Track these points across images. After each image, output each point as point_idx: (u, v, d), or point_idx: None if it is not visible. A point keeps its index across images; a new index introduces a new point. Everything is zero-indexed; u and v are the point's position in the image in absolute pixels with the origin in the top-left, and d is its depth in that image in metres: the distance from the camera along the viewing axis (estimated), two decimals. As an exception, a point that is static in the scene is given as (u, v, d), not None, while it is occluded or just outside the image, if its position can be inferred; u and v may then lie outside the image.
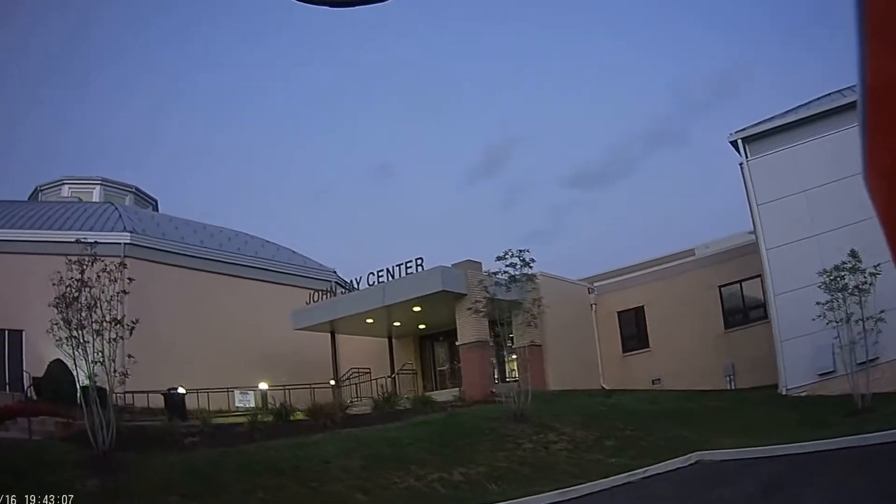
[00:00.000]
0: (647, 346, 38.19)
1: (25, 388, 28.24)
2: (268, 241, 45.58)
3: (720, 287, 36.58)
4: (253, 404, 32.93)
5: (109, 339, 19.06)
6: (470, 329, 32.43)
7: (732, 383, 33.82)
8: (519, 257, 27.13)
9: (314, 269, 46.00)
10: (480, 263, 33.74)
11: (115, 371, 19.09)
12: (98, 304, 18.81)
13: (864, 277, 24.10)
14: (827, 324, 24.97)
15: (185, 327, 35.48)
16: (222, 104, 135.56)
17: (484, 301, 28.46)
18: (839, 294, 24.76)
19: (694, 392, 30.32)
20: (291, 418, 25.05)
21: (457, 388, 33.81)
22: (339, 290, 38.33)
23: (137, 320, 19.69)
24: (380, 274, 34.14)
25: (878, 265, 22.77)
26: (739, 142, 32.04)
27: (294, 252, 46.39)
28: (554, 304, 32.38)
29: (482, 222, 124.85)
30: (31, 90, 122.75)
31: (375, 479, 18.31)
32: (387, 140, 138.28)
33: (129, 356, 19.35)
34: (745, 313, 36.10)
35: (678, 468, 18.46)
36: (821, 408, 24.69)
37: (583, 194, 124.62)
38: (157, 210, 48.66)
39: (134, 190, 48.52)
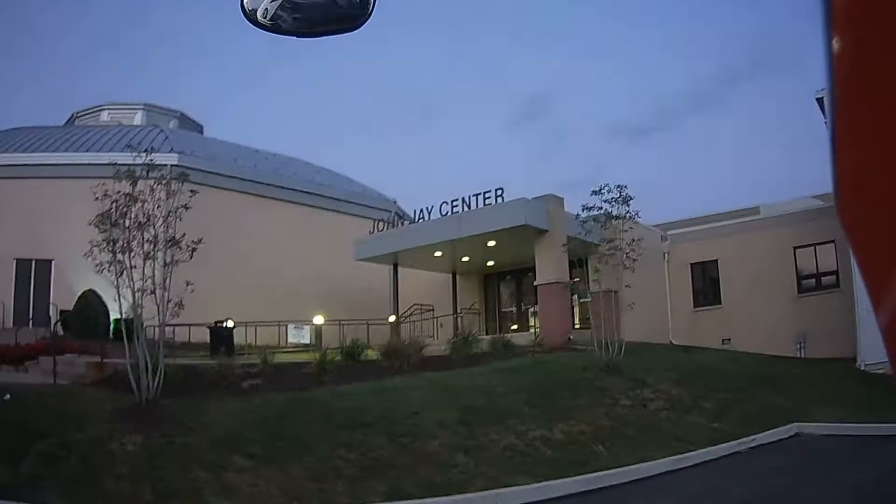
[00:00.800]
0: (719, 303, 35.37)
1: (52, 323, 24.79)
2: (323, 168, 41.56)
3: (795, 249, 33.93)
4: (308, 340, 29.76)
5: (165, 262, 15.55)
6: (550, 268, 29.19)
7: (802, 351, 31.19)
8: (619, 192, 24.03)
9: (374, 199, 42.08)
10: (563, 199, 30.53)
11: (168, 301, 15.48)
12: (151, 222, 15.31)
13: None
14: None
15: (235, 256, 31.95)
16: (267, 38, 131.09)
17: (573, 238, 26.17)
18: None
19: (769, 357, 27.95)
20: (362, 358, 21.67)
21: (525, 331, 31.53)
22: (399, 221, 34.68)
23: (201, 240, 15.95)
24: (454, 204, 30.27)
25: None
26: (825, 99, 28.25)
27: (351, 180, 42.43)
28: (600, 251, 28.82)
29: (521, 169, 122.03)
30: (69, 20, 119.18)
31: (472, 435, 15.44)
32: (430, 82, 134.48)
33: (188, 283, 15.69)
34: (818, 279, 33.59)
35: (780, 440, 16.97)
36: None
37: (625, 147, 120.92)
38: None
39: (179, 115, 44.33)
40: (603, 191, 24.10)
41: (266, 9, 2.44)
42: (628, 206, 24.20)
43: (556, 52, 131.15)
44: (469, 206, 29.97)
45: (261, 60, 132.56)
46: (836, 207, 1.31)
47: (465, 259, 34.00)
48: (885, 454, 14.60)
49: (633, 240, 24.17)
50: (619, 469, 14.07)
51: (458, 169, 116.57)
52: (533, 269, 31.74)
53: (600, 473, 13.84)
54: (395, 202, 42.27)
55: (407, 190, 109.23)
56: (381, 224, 33.43)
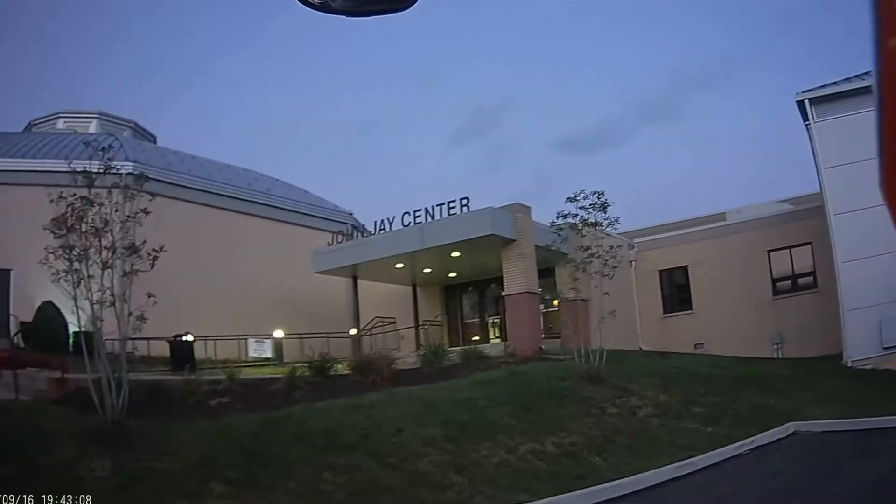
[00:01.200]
0: (691, 309, 35.17)
1: (12, 334, 23.28)
2: (278, 180, 40.06)
3: (769, 252, 33.91)
4: (269, 354, 28.51)
5: (124, 272, 14.21)
6: (519, 278, 28.20)
7: (780, 352, 31.32)
8: (597, 198, 23.17)
9: (329, 211, 40.63)
10: (530, 208, 29.57)
11: (129, 314, 14.14)
12: (109, 227, 13.88)
13: None
14: None
15: (192, 268, 30.52)
16: (217, 52, 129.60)
17: (541, 248, 25.91)
18: None
19: (748, 359, 27.81)
20: (332, 373, 20.32)
21: (487, 342, 31.21)
22: (356, 233, 33.33)
23: (162, 247, 14.70)
24: (417, 214, 29.10)
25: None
26: (807, 102, 28.85)
27: (307, 192, 40.90)
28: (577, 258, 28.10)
29: (470, 182, 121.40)
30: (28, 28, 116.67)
31: (462, 452, 14.39)
32: (374, 97, 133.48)
33: (150, 295, 14.36)
34: (794, 280, 33.61)
35: (779, 439, 16.73)
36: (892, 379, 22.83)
37: (575, 159, 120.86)
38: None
39: (133, 125, 42.66)
40: (578, 197, 23.23)
41: None
42: (605, 212, 23.33)
43: (503, 65, 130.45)
44: (432, 217, 28.87)
45: (213, 72, 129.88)
46: (881, 190, 1.31)
47: (427, 271, 32.93)
48: (890, 447, 14.50)
49: (612, 247, 23.28)
50: (623, 479, 13.40)
51: (408, 182, 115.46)
52: (497, 280, 30.97)
53: (605, 485, 13.10)
54: (351, 214, 41.00)
55: (359, 203, 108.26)
56: (339, 236, 32.13)
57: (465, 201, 27.92)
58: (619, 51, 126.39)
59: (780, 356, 30.43)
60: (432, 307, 35.42)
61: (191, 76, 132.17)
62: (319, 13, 2.35)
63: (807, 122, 29.15)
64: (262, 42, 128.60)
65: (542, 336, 29.73)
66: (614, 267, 22.95)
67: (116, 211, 14.04)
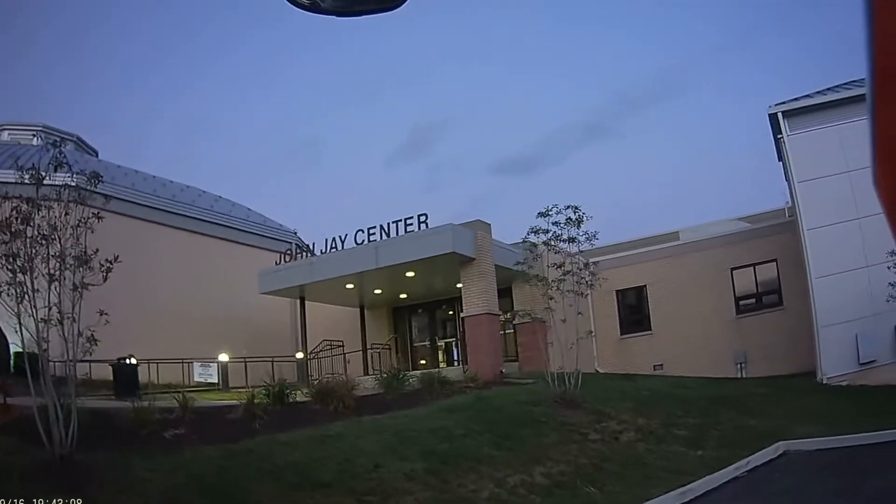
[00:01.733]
0: (649, 329, 33.84)
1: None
2: (221, 197, 38.23)
3: (732, 269, 32.85)
4: (216, 379, 26.88)
5: (74, 285, 12.49)
6: (479, 298, 26.87)
7: (743, 372, 30.47)
8: (574, 212, 21.93)
9: (273, 230, 38.97)
10: (490, 225, 28.37)
11: (78, 334, 12.44)
12: (57, 234, 12.17)
13: None
14: None
15: (131, 285, 28.71)
16: (164, 68, 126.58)
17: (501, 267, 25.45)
18: None
19: (714, 379, 27.00)
20: (290, 401, 18.67)
21: (436, 367, 29.59)
22: (300, 253, 31.57)
23: (117, 257, 13.16)
24: (371, 232, 27.71)
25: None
26: (779, 115, 28.25)
27: (250, 210, 39.16)
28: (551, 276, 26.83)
29: (407, 202, 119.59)
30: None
31: (447, 486, 13.24)
32: (317, 114, 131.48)
33: (102, 313, 12.68)
34: (759, 298, 32.60)
35: (771, 460, 15.94)
36: (877, 397, 22.12)
37: (514, 180, 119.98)
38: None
39: (76, 139, 40.70)
40: (551, 212, 21.98)
41: None
42: (579, 227, 22.11)
43: (442, 82, 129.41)
44: (388, 234, 27.59)
45: (153, 87, 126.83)
46: (874, 185, 1.29)
47: (378, 292, 31.59)
48: (888, 463, 13.89)
49: (587, 263, 22.04)
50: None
51: (349, 201, 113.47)
52: (449, 301, 30.48)
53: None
54: (295, 233, 39.29)
55: (302, 223, 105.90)
56: (286, 256, 30.54)
57: (423, 218, 26.67)
58: (562, 69, 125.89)
59: (744, 376, 29.77)
60: (380, 330, 33.98)
61: (131, 91, 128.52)
62: (309, 13, 2.28)
63: (779, 136, 28.64)
64: (200, 56, 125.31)
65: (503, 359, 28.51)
66: (591, 285, 22.43)
67: (67, 214, 12.37)
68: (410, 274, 28.40)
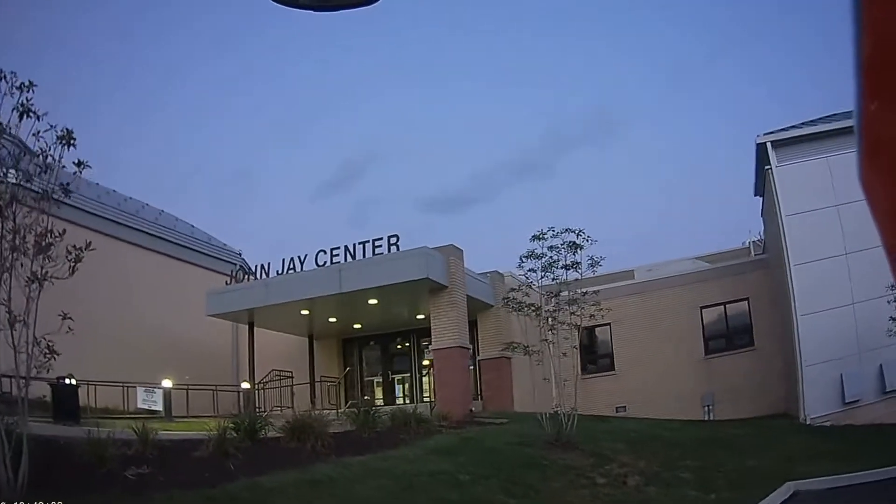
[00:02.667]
0: (613, 369, 31.96)
1: None
2: (164, 211, 34.78)
3: (702, 308, 31.38)
4: (160, 406, 23.78)
5: (29, 278, 9.60)
6: (450, 330, 24.38)
7: (710, 414, 29.13)
8: (577, 235, 19.75)
9: (219, 249, 35.69)
10: (462, 251, 25.89)
11: (33, 345, 9.60)
12: (10, 212, 9.34)
13: None
14: None
15: (64, 297, 25.53)
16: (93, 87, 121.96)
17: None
18: None
19: (694, 421, 26.18)
20: (260, 436, 15.80)
21: (389, 403, 28.35)
22: (246, 276, 28.52)
23: (90, 244, 10.47)
24: (335, 253, 25.04)
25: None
26: (768, 145, 27.07)
27: (195, 227, 35.69)
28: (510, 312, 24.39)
29: (332, 236, 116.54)
30: None
31: None
32: (247, 146, 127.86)
33: (65, 315, 9.86)
34: (729, 338, 31.24)
35: (784, 501, 14.59)
36: (868, 436, 21.29)
37: (441, 217, 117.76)
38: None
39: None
40: (546, 235, 19.65)
41: None
42: (576, 253, 19.82)
43: (371, 117, 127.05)
44: (353, 256, 24.98)
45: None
46: (860, 183, 1.28)
47: (332, 320, 28.77)
48: None
49: (585, 292, 19.73)
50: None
51: (277, 234, 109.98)
52: (405, 333, 29.09)
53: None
54: (240, 254, 36.07)
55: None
56: (239, 275, 27.61)
57: (394, 240, 24.15)
58: (493, 108, 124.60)
59: (712, 418, 28.45)
60: (329, 362, 31.38)
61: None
62: (288, 8, 2.14)
63: (767, 167, 27.32)
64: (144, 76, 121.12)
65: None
66: (591, 316, 20.02)
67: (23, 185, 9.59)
68: (373, 301, 25.92)
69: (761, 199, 31.11)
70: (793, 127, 27.52)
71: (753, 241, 35.50)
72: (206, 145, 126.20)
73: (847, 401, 24.51)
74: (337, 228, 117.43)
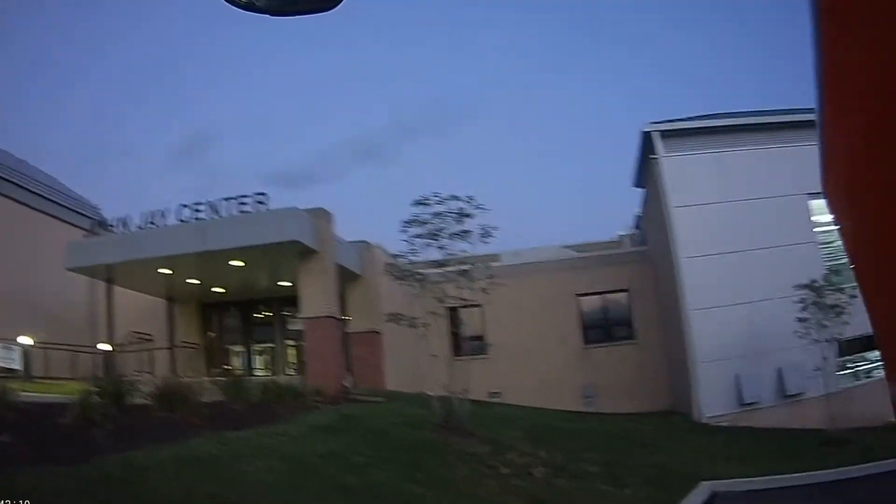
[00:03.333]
0: (485, 353, 30.11)
1: None
2: (25, 161, 31.43)
3: (579, 296, 30.88)
4: (18, 365, 21.87)
5: None
6: (321, 298, 22.73)
7: (592, 406, 27.98)
8: (469, 201, 17.61)
9: (76, 202, 32.48)
10: (333, 214, 24.14)
11: None
12: None
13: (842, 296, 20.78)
14: (811, 344, 21.19)
15: None
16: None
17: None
18: (818, 311, 21.21)
19: (573, 413, 25.06)
20: (127, 402, 14.04)
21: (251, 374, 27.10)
22: (110, 226, 26.00)
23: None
24: (198, 208, 23.14)
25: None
26: (658, 135, 26.63)
27: (49, 175, 32.35)
28: (385, 286, 23.65)
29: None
30: None
31: None
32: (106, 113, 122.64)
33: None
34: (609, 329, 30.91)
35: (705, 502, 13.64)
36: (772, 439, 21.51)
37: (282, 194, 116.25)
38: None
39: None
40: (431, 202, 17.64)
41: None
42: (464, 222, 17.72)
43: (216, 92, 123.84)
44: (217, 212, 23.15)
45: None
46: (822, 187, 1.40)
47: (194, 282, 26.91)
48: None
49: (474, 263, 18.65)
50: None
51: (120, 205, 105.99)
52: (268, 301, 28.02)
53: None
54: (97, 208, 33.22)
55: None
56: (99, 228, 25.56)
57: (261, 197, 22.68)
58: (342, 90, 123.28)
59: (593, 410, 27.07)
60: (188, 327, 29.42)
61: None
62: (245, 12, 2.20)
63: (653, 156, 26.75)
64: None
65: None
66: (484, 290, 17.98)
67: None
68: (238, 263, 24.11)
69: (643, 190, 30.70)
70: (682, 119, 27.16)
71: (625, 234, 35.32)
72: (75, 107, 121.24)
73: (745, 402, 24.31)
74: (179, 200, 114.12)
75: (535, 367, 29.23)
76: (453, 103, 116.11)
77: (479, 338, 30.79)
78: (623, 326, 30.49)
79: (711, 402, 24.35)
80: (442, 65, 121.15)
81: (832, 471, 15.25)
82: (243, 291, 28.07)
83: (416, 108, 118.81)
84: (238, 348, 30.12)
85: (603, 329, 30.74)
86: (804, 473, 15.22)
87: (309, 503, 9.74)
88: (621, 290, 30.32)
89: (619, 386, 28.34)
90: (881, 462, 14.87)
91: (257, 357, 30.09)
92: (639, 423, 23.45)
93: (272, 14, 2.23)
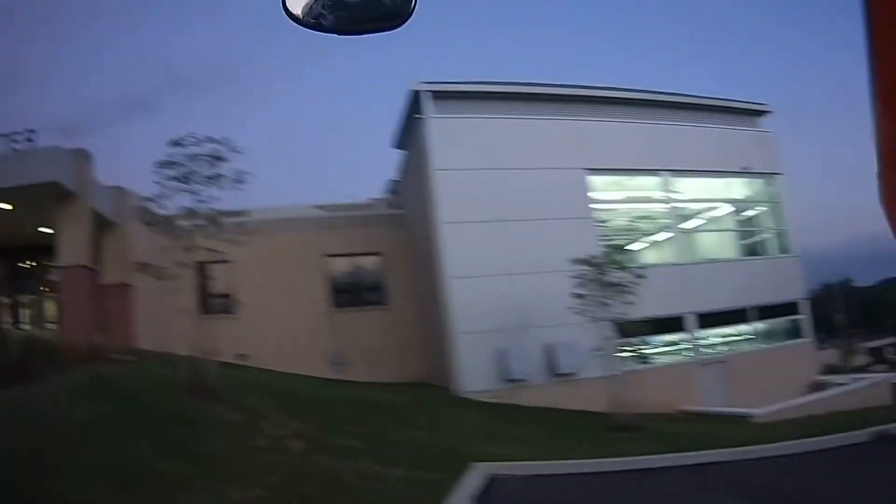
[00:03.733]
0: (233, 312, 28.65)
1: None
2: None
3: (328, 257, 29.75)
4: None
5: None
6: (74, 246, 20.97)
7: (342, 373, 26.92)
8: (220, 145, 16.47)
9: None
10: (92, 156, 22.47)
11: None
12: None
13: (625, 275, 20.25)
14: (589, 322, 19.99)
15: None
16: None
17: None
18: (597, 288, 20.15)
19: (337, 381, 24.62)
20: None
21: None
22: None
23: None
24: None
25: (645, 266, 21.94)
26: (428, 95, 25.87)
27: None
28: (139, 235, 22.01)
29: None
30: None
31: None
32: None
33: None
34: (359, 294, 29.94)
35: (488, 487, 12.58)
36: (544, 419, 21.08)
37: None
38: None
39: None
40: (187, 143, 16.39)
41: (309, 7, 2.23)
42: (218, 166, 16.50)
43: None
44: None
45: None
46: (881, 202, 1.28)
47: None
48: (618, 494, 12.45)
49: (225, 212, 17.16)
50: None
51: None
52: (32, 250, 26.11)
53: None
54: None
55: None
56: None
57: (31, 135, 21.01)
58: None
59: (343, 377, 26.25)
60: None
61: None
62: (311, 31, 2.19)
63: (419, 115, 26.07)
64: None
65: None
66: (230, 240, 16.76)
67: None
68: (5, 206, 22.08)
69: (404, 152, 30.33)
70: (455, 82, 26.68)
71: (380, 198, 34.74)
72: None
73: (512, 378, 23.79)
74: None
75: (284, 329, 27.96)
76: (219, 63, 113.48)
77: (228, 296, 29.34)
78: (375, 291, 29.82)
79: (473, 375, 23.71)
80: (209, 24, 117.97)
81: (630, 459, 14.60)
82: (11, 238, 25.65)
83: (189, 68, 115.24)
84: (4, 300, 27.81)
85: (353, 293, 29.89)
86: (598, 460, 14.64)
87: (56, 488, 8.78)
88: (373, 254, 29.72)
89: (370, 353, 27.49)
90: (685, 454, 14.86)
91: (24, 310, 28.05)
92: (396, 394, 22.73)
93: (339, 34, 2.25)
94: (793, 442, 15.76)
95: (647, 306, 21.06)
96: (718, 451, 15.13)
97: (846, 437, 15.86)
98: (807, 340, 31.23)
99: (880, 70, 1.19)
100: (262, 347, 26.96)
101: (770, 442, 15.77)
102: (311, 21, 2.21)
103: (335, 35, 2.26)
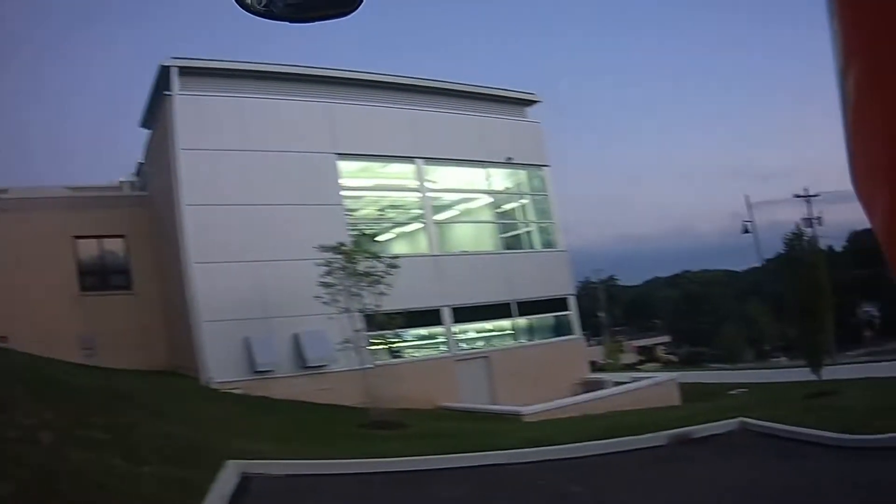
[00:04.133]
0: None
1: None
2: None
3: (76, 238, 28.07)
4: None
5: None
6: None
7: (92, 358, 24.83)
8: None
9: None
10: None
11: None
12: None
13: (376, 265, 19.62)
14: (339, 313, 19.25)
15: None
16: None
17: None
18: (346, 278, 19.46)
19: (82, 366, 21.82)
20: None
21: None
22: None
23: None
24: None
25: (398, 257, 20.86)
26: (176, 71, 24.65)
27: None
28: None
29: None
30: None
31: None
32: None
33: None
34: (106, 277, 28.66)
35: (237, 488, 11.38)
36: (294, 412, 20.21)
37: None
38: None
39: None
40: None
41: None
42: None
43: None
44: None
45: None
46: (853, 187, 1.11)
47: None
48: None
49: None
50: None
51: None
52: None
53: None
54: None
55: None
56: None
57: None
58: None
59: (94, 364, 23.75)
60: None
61: None
62: (261, 19, 2.11)
63: (167, 92, 24.71)
64: None
65: None
66: None
67: None
68: None
69: (150, 131, 29.11)
70: (207, 59, 25.61)
71: (126, 180, 33.03)
72: None
73: (258, 369, 22.99)
74: None
75: (35, 311, 25.98)
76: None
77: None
78: (121, 275, 28.55)
79: (221, 365, 22.68)
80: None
81: (397, 460, 13.50)
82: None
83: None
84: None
85: (101, 276, 28.59)
86: (361, 460, 13.60)
87: None
88: (119, 236, 28.41)
89: (118, 339, 25.84)
90: (459, 455, 13.80)
91: None
92: (145, 382, 21.42)
93: (290, 21, 2.19)
94: (575, 445, 14.51)
95: (400, 298, 20.48)
96: (496, 452, 14.06)
97: (640, 440, 14.55)
98: (577, 337, 31.51)
99: (853, 45, 1.03)
100: (17, 329, 24.68)
101: (550, 444, 14.65)
102: (260, 9, 2.12)
103: (286, 23, 2.19)
